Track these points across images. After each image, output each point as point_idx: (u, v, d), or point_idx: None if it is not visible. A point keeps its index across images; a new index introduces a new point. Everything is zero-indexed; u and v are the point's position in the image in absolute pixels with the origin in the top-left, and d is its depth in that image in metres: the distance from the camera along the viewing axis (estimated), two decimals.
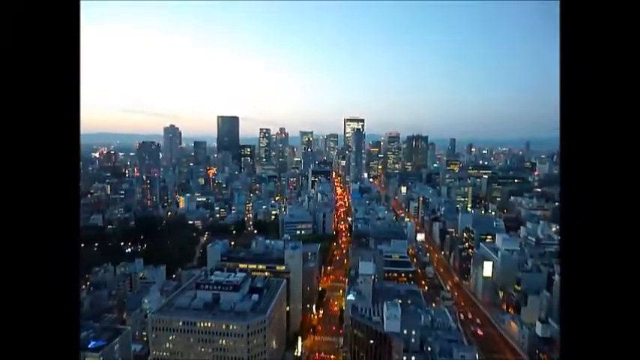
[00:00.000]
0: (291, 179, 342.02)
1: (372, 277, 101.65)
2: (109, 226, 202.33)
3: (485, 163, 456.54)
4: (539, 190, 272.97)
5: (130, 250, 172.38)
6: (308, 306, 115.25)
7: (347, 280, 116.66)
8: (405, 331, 71.99)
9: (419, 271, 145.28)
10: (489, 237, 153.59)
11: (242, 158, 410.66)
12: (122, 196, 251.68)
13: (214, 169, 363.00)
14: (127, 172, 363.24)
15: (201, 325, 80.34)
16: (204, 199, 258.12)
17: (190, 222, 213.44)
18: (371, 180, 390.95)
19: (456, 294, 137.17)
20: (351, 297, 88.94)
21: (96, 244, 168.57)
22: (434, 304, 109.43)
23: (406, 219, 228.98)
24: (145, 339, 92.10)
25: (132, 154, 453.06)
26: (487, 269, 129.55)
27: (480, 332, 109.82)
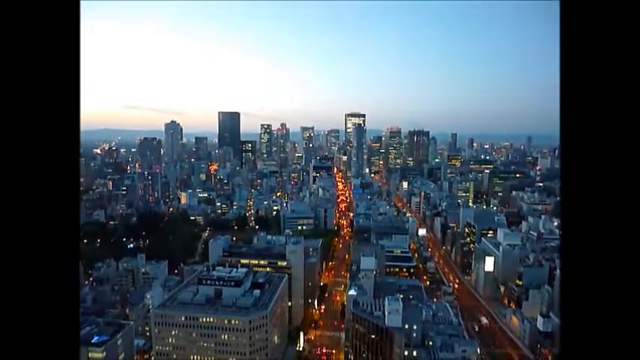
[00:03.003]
0: (293, 175, 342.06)
1: (374, 272, 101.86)
2: (111, 222, 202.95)
3: (487, 157, 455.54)
4: (540, 184, 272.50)
5: (132, 245, 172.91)
6: (309, 301, 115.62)
7: (348, 275, 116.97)
8: (406, 326, 72.16)
9: (420, 266, 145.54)
10: (491, 232, 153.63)
11: (243, 154, 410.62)
12: (124, 192, 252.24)
13: (216, 164, 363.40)
14: (128, 168, 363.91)
15: (204, 320, 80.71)
16: (206, 194, 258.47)
17: (192, 218, 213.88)
18: (372, 175, 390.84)
19: (457, 289, 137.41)
20: (352, 292, 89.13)
21: (98, 240, 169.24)
22: (435, 299, 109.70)
23: (408, 214, 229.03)
24: (148, 334, 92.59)
25: (133, 150, 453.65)
26: (488, 264, 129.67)
27: (481, 326, 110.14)
